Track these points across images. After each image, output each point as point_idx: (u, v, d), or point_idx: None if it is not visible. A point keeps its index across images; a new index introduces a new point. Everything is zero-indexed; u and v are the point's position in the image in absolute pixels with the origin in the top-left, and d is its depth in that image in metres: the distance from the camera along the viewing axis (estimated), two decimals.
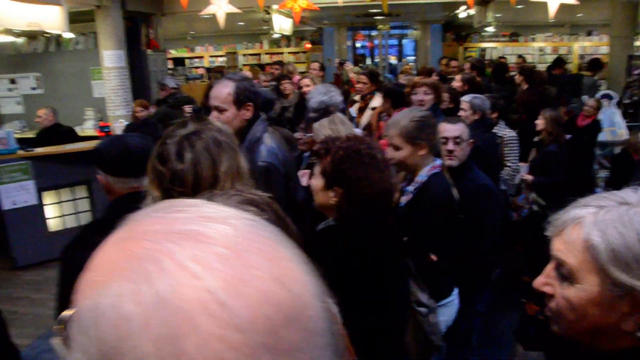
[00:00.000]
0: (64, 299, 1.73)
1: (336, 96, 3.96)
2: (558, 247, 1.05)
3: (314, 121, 3.35)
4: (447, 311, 2.58)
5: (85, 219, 6.07)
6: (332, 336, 0.42)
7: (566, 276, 1.03)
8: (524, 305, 1.78)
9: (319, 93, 3.96)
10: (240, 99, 2.52)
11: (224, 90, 2.53)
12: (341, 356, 0.43)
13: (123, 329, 0.37)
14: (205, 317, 0.37)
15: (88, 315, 0.39)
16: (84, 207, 6.10)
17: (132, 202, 1.72)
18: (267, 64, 14.01)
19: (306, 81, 5.85)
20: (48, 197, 5.90)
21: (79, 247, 1.74)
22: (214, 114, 2.55)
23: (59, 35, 8.47)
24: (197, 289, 0.38)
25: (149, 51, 8.60)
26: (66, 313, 0.55)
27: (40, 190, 5.76)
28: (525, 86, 6.75)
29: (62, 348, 0.49)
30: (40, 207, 5.80)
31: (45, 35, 8.57)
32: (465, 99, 4.52)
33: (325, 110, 3.74)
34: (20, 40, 8.67)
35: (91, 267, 0.43)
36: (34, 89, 8.60)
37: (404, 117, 2.62)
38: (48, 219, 5.91)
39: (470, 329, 3.05)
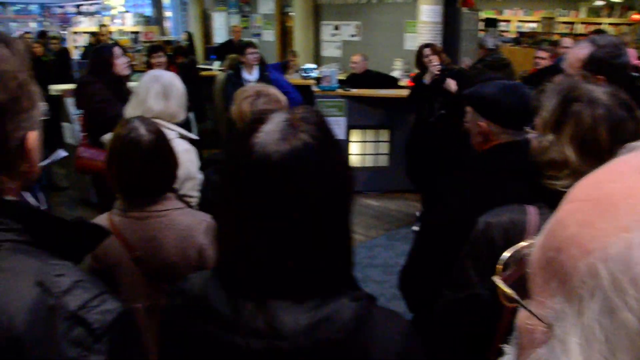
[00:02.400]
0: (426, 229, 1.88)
1: None
2: None
3: None
4: None
5: (383, 161, 6.48)
6: None
7: None
8: None
9: None
10: (589, 69, 2.05)
11: (576, 53, 2.14)
12: None
13: None
14: None
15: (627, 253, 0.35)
16: (384, 150, 6.49)
17: (509, 153, 1.70)
18: (581, 35, 12.75)
19: None
20: (354, 135, 6.44)
21: (454, 192, 1.82)
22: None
23: None
24: None
25: (463, 9, 8.55)
26: (506, 254, 0.53)
27: (350, 127, 6.31)
28: None
29: (504, 288, 0.47)
30: (346, 142, 6.36)
31: None
32: None
33: None
34: None
35: (603, 202, 0.39)
36: (352, 36, 9.46)
37: None
38: (351, 154, 6.47)
39: None
